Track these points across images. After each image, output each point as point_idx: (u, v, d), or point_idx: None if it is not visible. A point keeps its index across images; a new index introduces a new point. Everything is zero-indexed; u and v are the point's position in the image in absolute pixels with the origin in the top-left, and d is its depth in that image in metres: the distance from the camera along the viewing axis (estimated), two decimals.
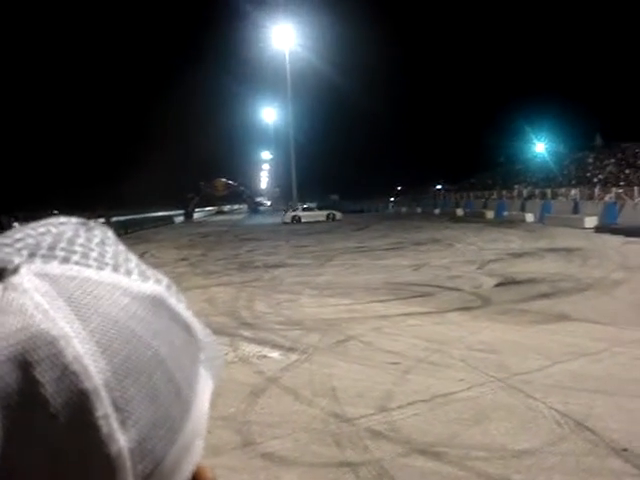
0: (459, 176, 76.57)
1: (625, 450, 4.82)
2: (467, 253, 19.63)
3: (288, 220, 48.76)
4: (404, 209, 66.63)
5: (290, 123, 67.76)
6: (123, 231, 40.77)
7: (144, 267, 0.47)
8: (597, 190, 35.87)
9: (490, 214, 43.10)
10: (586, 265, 15.51)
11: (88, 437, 0.36)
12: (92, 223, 0.49)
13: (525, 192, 46.70)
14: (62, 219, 0.47)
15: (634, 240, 20.98)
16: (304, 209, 51.31)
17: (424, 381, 6.76)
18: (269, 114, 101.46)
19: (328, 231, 35.47)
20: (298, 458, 4.98)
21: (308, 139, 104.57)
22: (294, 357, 7.93)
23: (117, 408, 0.37)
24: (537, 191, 45.27)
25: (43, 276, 0.40)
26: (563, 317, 9.55)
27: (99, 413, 0.37)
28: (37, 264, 0.41)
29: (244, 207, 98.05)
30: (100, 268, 0.43)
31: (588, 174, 45.33)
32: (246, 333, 9.42)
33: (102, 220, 35.84)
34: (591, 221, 28.37)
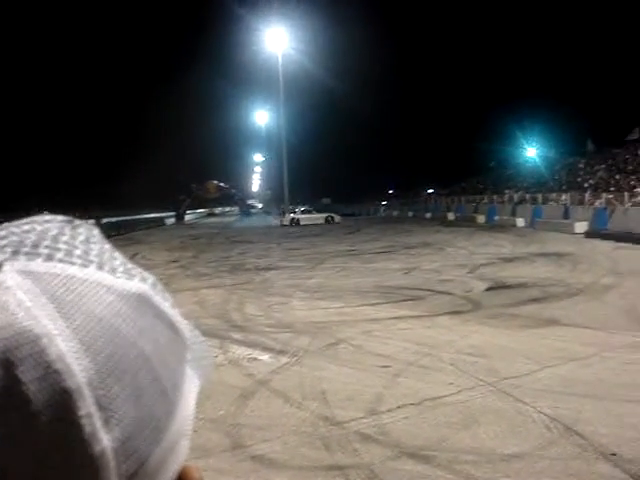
0: (450, 180, 76.67)
1: (614, 455, 4.83)
2: (458, 257, 19.67)
3: (287, 222, 48.85)
4: (395, 213, 66.83)
5: (282, 126, 67.84)
6: (115, 232, 40.62)
7: (129, 265, 0.47)
8: (588, 195, 35.97)
9: (481, 218, 43.26)
10: (576, 270, 15.57)
11: (71, 436, 0.36)
12: (77, 221, 0.48)
13: (516, 197, 46.81)
14: (47, 217, 0.47)
15: (624, 245, 21.10)
16: (302, 212, 51.37)
17: (414, 385, 6.77)
18: (261, 117, 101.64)
19: (319, 234, 35.48)
20: (287, 461, 4.98)
21: (300, 142, 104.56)
22: (284, 360, 7.92)
23: (100, 407, 0.37)
24: (528, 196, 45.36)
25: (26, 273, 0.39)
26: (553, 322, 9.57)
27: (82, 412, 0.36)
28: (21, 261, 0.40)
29: (236, 209, 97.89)
30: (84, 265, 0.42)
31: (579, 179, 45.44)
32: (236, 335, 9.40)
33: (92, 221, 35.88)
34: (581, 226, 28.48)
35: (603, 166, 45.04)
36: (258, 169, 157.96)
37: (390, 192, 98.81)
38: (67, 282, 0.40)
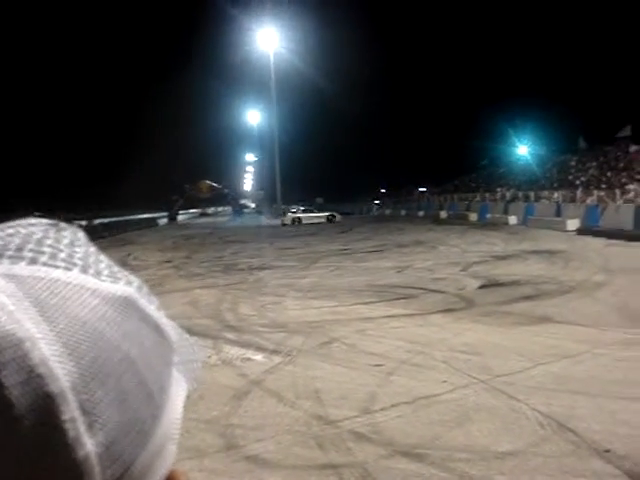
0: (443, 178, 76.70)
1: (607, 451, 4.85)
2: (450, 255, 19.70)
3: (288, 222, 48.73)
4: (388, 211, 66.93)
5: (274, 125, 67.95)
6: (107, 233, 40.52)
7: (115, 268, 0.47)
8: (579, 193, 36.10)
9: (473, 216, 43.32)
10: (568, 267, 15.61)
11: (54, 441, 0.36)
12: (62, 224, 0.48)
13: (508, 195, 46.94)
14: (32, 220, 0.47)
15: (616, 242, 21.17)
16: (304, 211, 51.49)
17: (407, 383, 6.77)
18: (254, 116, 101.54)
19: (312, 233, 35.46)
20: (281, 461, 4.97)
21: (291, 141, 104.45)
22: (278, 360, 7.91)
23: (84, 411, 0.37)
24: (520, 194, 45.51)
25: (10, 277, 0.39)
26: (545, 319, 9.60)
27: (65, 416, 0.36)
28: (4, 265, 0.40)
29: (228, 209, 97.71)
30: (68, 269, 0.42)
31: (570, 177, 45.53)
32: (230, 336, 9.39)
33: (84, 222, 35.66)
34: (573, 223, 28.57)
35: (594, 163, 45.14)
36: (250, 169, 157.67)
37: (382, 191, 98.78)
38: (51, 285, 0.40)
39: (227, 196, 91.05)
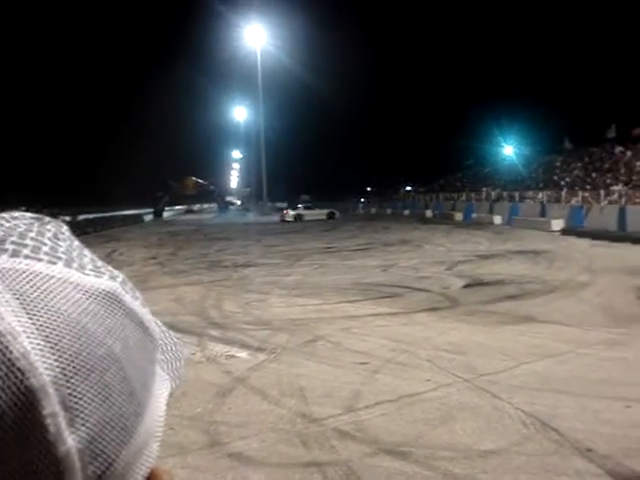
0: (428, 178, 77.00)
1: (590, 450, 4.88)
2: (436, 254, 19.76)
3: (290, 218, 49.31)
4: (374, 210, 66.98)
5: (261, 122, 67.92)
6: (91, 229, 40.28)
7: (99, 263, 0.46)
8: (564, 193, 36.32)
9: (459, 216, 43.48)
10: (552, 267, 15.71)
11: (34, 437, 0.35)
12: (46, 218, 0.48)
13: (493, 194, 47.14)
14: (16, 213, 0.46)
15: (600, 243, 21.33)
16: (305, 207, 52.24)
17: (391, 381, 6.78)
18: (240, 113, 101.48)
19: (298, 231, 35.47)
20: (265, 458, 4.97)
21: (278, 138, 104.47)
22: (262, 357, 7.90)
23: (66, 407, 0.36)
24: (505, 194, 45.72)
25: None
26: (529, 318, 9.65)
27: (46, 412, 0.35)
28: None
29: (214, 206, 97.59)
30: (51, 262, 0.41)
31: (555, 177, 45.81)
32: (214, 333, 9.36)
33: (68, 218, 35.46)
34: (558, 224, 28.75)
35: (579, 164, 45.46)
36: (236, 166, 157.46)
37: (368, 189, 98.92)
38: (33, 279, 0.39)
39: (213, 193, 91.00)
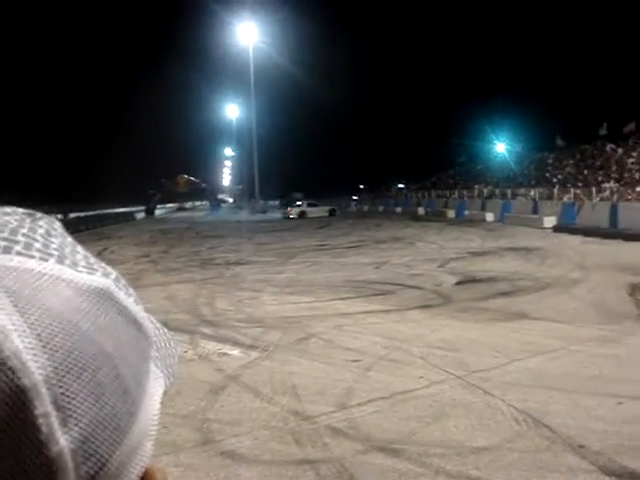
0: (421, 175, 77.14)
1: (582, 447, 4.89)
2: (428, 252, 19.79)
3: (294, 215, 51.06)
4: (366, 207, 67.05)
5: (253, 120, 67.86)
6: (83, 227, 40.16)
7: (92, 259, 0.46)
8: (556, 190, 36.43)
9: (451, 213, 43.58)
10: (544, 264, 15.75)
11: (26, 437, 0.34)
12: (39, 214, 0.47)
13: (485, 192, 47.24)
14: (7, 209, 0.45)
15: (592, 240, 21.39)
16: (309, 205, 54.18)
17: (384, 379, 6.79)
18: (232, 111, 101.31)
19: (290, 229, 35.49)
20: (258, 456, 4.96)
21: (270, 135, 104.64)
22: (254, 355, 7.89)
23: (58, 406, 0.35)
24: (497, 191, 45.85)
25: None
26: (522, 315, 9.67)
27: (38, 411, 0.34)
28: None
29: (206, 204, 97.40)
30: (43, 259, 0.41)
31: (547, 174, 45.97)
32: (206, 330, 9.35)
33: (60, 216, 35.34)
34: (550, 221, 28.83)
35: (571, 161, 45.62)
36: (228, 163, 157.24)
37: (361, 187, 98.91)
38: (25, 276, 0.38)
39: (205, 191, 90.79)
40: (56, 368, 0.36)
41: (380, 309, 10.56)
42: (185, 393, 6.28)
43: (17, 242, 0.41)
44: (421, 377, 6.77)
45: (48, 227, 0.45)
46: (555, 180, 42.49)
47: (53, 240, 0.44)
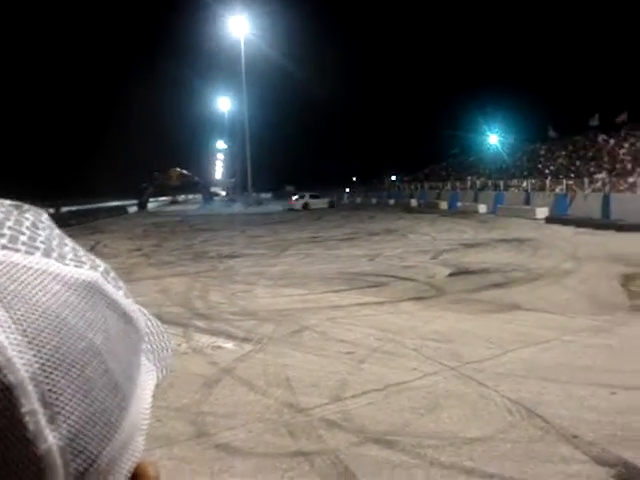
0: (413, 167, 77.23)
1: (575, 437, 4.91)
2: (421, 243, 19.82)
3: (299, 207, 53.82)
4: (359, 200, 67.09)
5: (245, 112, 67.71)
6: (75, 221, 40.02)
7: (81, 252, 0.45)
8: (548, 182, 36.50)
9: (444, 205, 43.68)
10: (537, 255, 15.80)
11: (13, 436, 0.33)
12: (26, 206, 0.46)
13: (478, 183, 47.32)
14: None
15: (584, 231, 21.47)
16: (311, 197, 56.62)
17: (378, 370, 6.80)
18: (224, 103, 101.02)
19: (283, 221, 35.48)
20: (252, 448, 4.96)
21: (261, 128, 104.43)
22: (248, 348, 7.89)
23: (45, 403, 0.34)
24: (490, 182, 45.91)
25: None
26: (515, 306, 9.69)
27: (25, 409, 0.33)
28: None
29: (199, 197, 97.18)
30: (29, 252, 0.40)
31: (540, 166, 46.05)
32: (200, 324, 9.34)
33: (51, 210, 35.21)
34: (542, 212, 28.94)
35: (564, 152, 45.71)
36: (221, 156, 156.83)
37: (353, 179, 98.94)
38: (10, 270, 0.37)
39: (197, 184, 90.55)
40: (43, 364, 0.35)
41: (373, 301, 10.57)
42: (179, 386, 6.28)
43: (3, 235, 0.40)
44: (415, 369, 6.78)
45: (35, 219, 0.44)
46: (547, 171, 42.57)
47: (40, 233, 0.43)
